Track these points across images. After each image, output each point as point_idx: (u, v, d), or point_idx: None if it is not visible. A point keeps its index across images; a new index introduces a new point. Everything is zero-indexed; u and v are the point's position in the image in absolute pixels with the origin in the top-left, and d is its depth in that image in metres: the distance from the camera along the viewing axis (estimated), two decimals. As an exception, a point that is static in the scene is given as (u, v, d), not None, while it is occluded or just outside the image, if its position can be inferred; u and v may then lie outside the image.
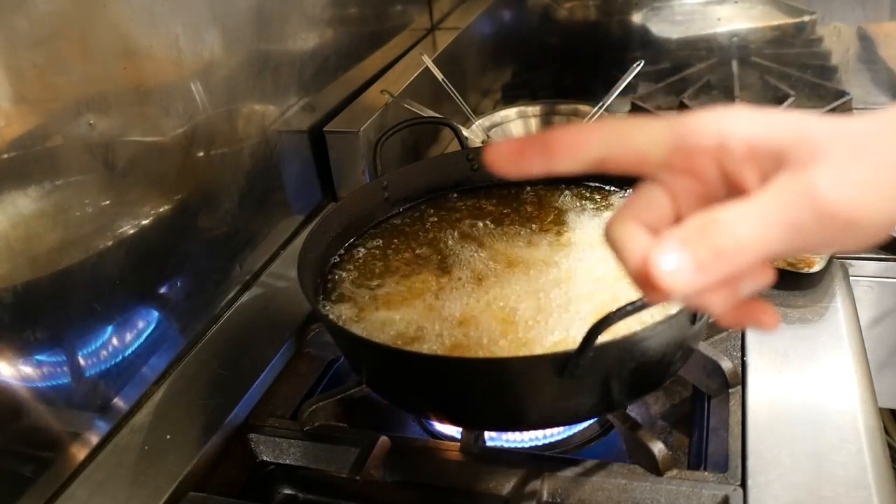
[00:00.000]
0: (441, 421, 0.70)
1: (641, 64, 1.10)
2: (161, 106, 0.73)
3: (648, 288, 0.32)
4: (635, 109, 1.30)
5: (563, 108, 1.20)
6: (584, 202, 0.81)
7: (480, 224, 0.79)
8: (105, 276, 0.68)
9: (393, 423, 0.75)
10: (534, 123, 1.21)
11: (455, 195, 0.85)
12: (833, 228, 0.31)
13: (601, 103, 1.11)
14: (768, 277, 0.35)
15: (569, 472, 0.61)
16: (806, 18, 1.32)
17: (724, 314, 0.36)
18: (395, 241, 0.78)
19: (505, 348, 0.60)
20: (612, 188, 0.82)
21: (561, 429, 0.70)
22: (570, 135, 0.36)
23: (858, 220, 0.31)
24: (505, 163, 0.37)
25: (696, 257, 0.31)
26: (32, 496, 0.61)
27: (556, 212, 0.80)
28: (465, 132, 0.95)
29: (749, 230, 0.31)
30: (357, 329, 0.65)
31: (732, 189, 0.34)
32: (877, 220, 0.31)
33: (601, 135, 0.36)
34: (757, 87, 1.29)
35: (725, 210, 0.31)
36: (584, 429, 0.71)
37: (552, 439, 0.70)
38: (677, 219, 0.36)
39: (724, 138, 0.33)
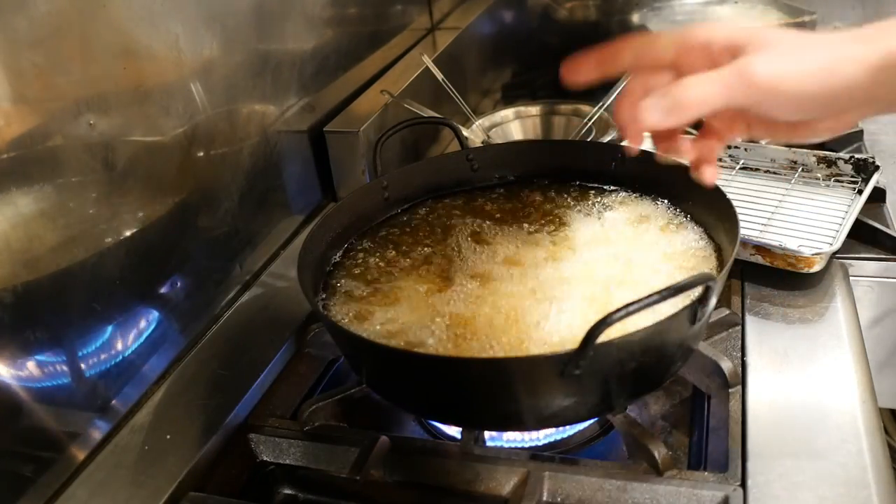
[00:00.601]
0: (441, 421, 0.70)
1: (641, 64, 1.10)
2: (161, 106, 0.73)
3: (633, 126, 0.53)
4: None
5: (563, 108, 1.20)
6: (583, 202, 0.81)
7: (480, 224, 0.79)
8: (105, 276, 0.68)
9: (393, 423, 0.75)
10: (534, 124, 1.21)
11: (455, 195, 0.85)
12: (758, 93, 0.47)
13: (601, 103, 1.11)
14: (733, 136, 0.56)
15: (569, 472, 0.61)
16: (806, 18, 1.32)
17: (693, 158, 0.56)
18: (395, 240, 0.78)
19: (505, 348, 0.60)
20: (611, 187, 0.82)
21: (561, 429, 0.70)
22: (612, 48, 0.54)
23: (778, 89, 0.46)
24: (575, 75, 0.55)
25: (663, 104, 0.49)
26: (32, 496, 0.61)
27: (556, 212, 0.80)
28: (465, 132, 0.95)
29: (698, 89, 0.48)
30: (357, 329, 0.65)
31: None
32: (792, 92, 0.46)
33: (632, 46, 0.54)
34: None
35: (688, 78, 0.49)
36: (584, 429, 0.71)
37: (552, 439, 0.70)
38: None
39: (710, 38, 0.50)
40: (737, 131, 0.56)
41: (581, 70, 0.55)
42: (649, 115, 0.49)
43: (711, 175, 0.56)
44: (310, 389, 0.76)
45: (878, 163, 0.92)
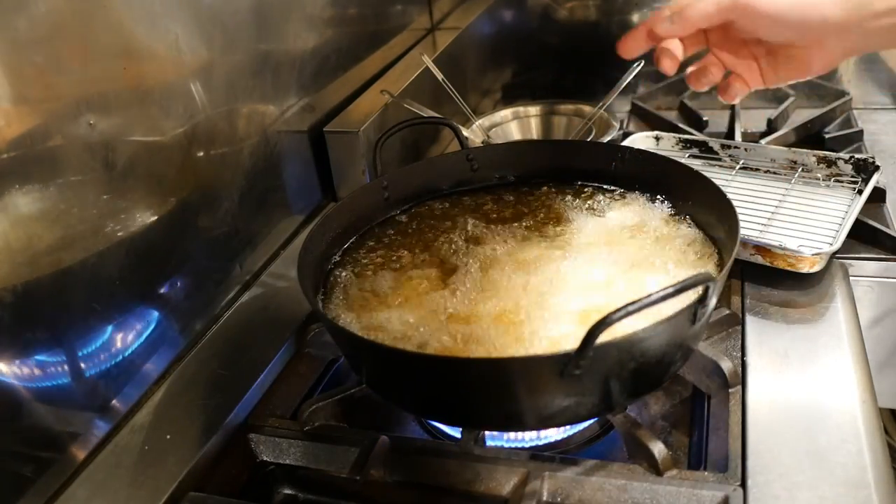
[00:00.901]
0: (441, 421, 0.70)
1: (641, 64, 1.10)
2: (161, 106, 0.73)
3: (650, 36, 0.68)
4: (635, 109, 1.30)
5: (563, 108, 1.20)
6: (583, 202, 0.81)
7: (480, 224, 0.79)
8: (105, 276, 0.68)
9: (393, 423, 0.75)
10: (534, 124, 1.21)
11: (455, 195, 0.85)
12: (740, 9, 0.62)
13: (601, 103, 1.11)
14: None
15: (569, 472, 0.61)
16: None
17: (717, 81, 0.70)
18: (395, 241, 0.78)
19: (505, 348, 0.60)
20: (611, 187, 0.82)
21: (561, 429, 0.70)
22: (654, 19, 0.67)
23: (759, 9, 0.62)
24: (629, 50, 0.69)
25: (668, 14, 0.65)
26: (32, 496, 0.61)
27: (556, 211, 0.80)
28: (465, 132, 0.95)
29: (698, 4, 0.64)
30: (357, 329, 0.65)
31: None
32: (768, 10, 0.61)
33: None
34: (757, 87, 1.29)
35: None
36: (584, 429, 0.71)
37: (552, 439, 0.70)
38: None
39: None
40: (741, 57, 0.69)
41: (634, 43, 0.69)
42: (660, 25, 0.66)
43: (743, 86, 0.70)
44: (310, 389, 0.76)
45: (878, 163, 0.92)
